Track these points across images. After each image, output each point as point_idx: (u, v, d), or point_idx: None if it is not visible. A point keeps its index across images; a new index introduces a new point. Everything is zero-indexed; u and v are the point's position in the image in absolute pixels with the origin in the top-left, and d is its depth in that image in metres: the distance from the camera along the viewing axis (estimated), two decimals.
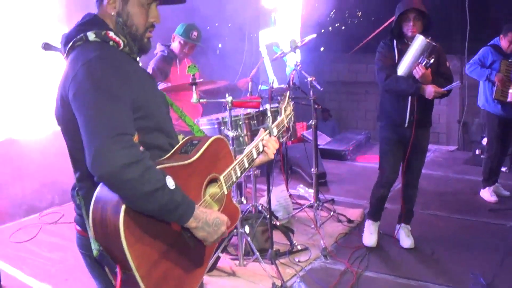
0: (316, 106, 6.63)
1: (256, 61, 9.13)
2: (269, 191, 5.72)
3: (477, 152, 10.01)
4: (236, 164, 2.97)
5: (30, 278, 5.45)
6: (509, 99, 7.43)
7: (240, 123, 5.60)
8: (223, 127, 5.47)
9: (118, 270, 2.44)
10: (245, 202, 6.20)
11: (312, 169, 6.75)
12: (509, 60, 7.54)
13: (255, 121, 5.66)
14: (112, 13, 2.70)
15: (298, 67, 6.63)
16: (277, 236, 6.05)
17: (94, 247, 2.50)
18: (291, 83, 6.57)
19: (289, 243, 5.99)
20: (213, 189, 2.84)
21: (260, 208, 6.14)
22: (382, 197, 6.15)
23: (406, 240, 6.21)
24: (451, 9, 12.18)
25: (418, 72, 5.56)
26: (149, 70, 6.34)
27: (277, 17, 11.12)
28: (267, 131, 3.27)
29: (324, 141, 11.14)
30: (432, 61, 5.61)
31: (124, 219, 2.32)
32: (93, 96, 2.40)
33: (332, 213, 6.99)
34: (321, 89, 6.49)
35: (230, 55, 9.45)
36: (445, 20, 12.38)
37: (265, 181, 5.87)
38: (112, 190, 2.35)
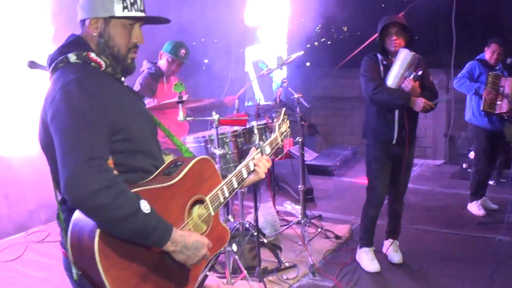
0: (303, 122, 6.63)
1: (242, 77, 9.14)
2: (256, 208, 5.70)
3: (464, 166, 10.04)
4: (223, 185, 2.94)
5: None
6: (497, 111, 7.48)
7: (227, 140, 5.58)
8: (209, 145, 5.45)
9: None
10: (232, 220, 6.19)
11: (299, 186, 6.74)
12: (495, 71, 7.61)
13: (242, 139, 5.65)
14: (94, 34, 2.71)
15: (285, 84, 6.63)
16: (265, 254, 6.02)
17: (74, 271, 2.50)
18: (278, 100, 6.57)
19: (276, 260, 5.96)
20: (200, 210, 2.82)
21: (247, 225, 6.12)
22: (375, 217, 6.09)
23: (394, 255, 6.19)
24: (438, 24, 12.25)
25: (408, 85, 5.56)
26: (137, 86, 6.34)
27: (262, 34, 11.13)
28: (259, 150, 3.24)
29: (311, 156, 11.14)
30: (420, 73, 5.63)
31: (99, 244, 2.31)
32: (68, 120, 2.40)
33: (319, 229, 6.95)
34: (308, 105, 6.52)
35: (216, 71, 9.46)
36: (432, 35, 12.44)
37: (252, 198, 5.85)
38: (86, 215, 2.34)
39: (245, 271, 5.32)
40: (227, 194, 2.95)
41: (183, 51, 6.46)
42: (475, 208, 7.94)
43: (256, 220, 5.67)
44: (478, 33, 11.81)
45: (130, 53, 2.81)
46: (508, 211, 7.14)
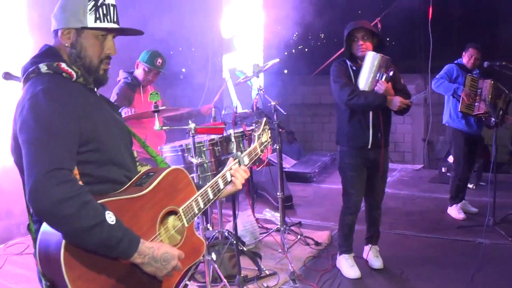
0: (280, 130, 6.63)
1: (219, 85, 9.13)
2: (234, 216, 5.68)
3: (443, 170, 10.11)
4: (198, 196, 2.92)
5: None
6: (475, 112, 7.52)
7: (204, 149, 5.56)
8: (186, 154, 5.43)
9: None
10: (211, 228, 6.17)
11: (278, 193, 6.74)
12: (473, 74, 7.66)
13: (219, 147, 5.64)
14: (66, 44, 2.72)
15: (261, 92, 6.62)
16: (245, 262, 5.99)
17: (43, 282, 2.50)
18: (254, 107, 6.56)
19: (257, 268, 5.93)
20: (175, 222, 2.80)
21: (226, 234, 6.10)
22: (353, 224, 6.05)
23: (375, 261, 6.18)
24: (414, 29, 12.34)
25: (381, 87, 5.55)
26: (113, 96, 6.32)
27: (238, 42, 11.13)
28: (236, 160, 3.23)
29: (289, 164, 11.16)
30: (391, 73, 5.62)
31: (64, 255, 2.30)
32: (34, 130, 2.40)
33: (299, 236, 6.94)
34: (285, 113, 6.52)
35: (194, 80, 9.45)
36: (409, 40, 12.52)
37: (231, 207, 5.82)
38: (50, 226, 2.34)
39: (225, 280, 5.30)
40: (202, 205, 2.94)
41: (159, 60, 6.43)
42: (455, 211, 7.97)
43: (235, 228, 5.65)
44: (454, 39, 11.92)
45: (103, 64, 2.81)
46: (488, 214, 7.16)
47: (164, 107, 5.83)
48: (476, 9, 11.95)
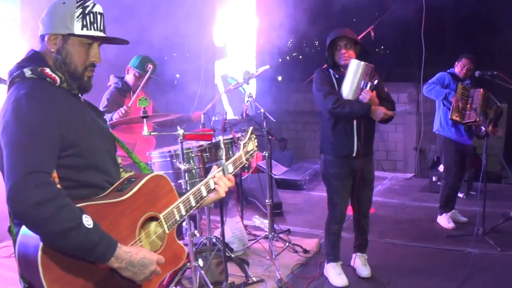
0: (270, 137, 6.64)
1: (211, 91, 9.14)
2: (222, 222, 5.68)
3: (434, 179, 10.12)
4: (180, 202, 2.93)
5: None
6: (465, 120, 7.52)
7: (193, 155, 5.56)
8: (175, 160, 5.43)
9: None
10: (198, 235, 6.16)
11: (266, 200, 6.75)
12: (465, 84, 7.67)
13: (207, 154, 5.63)
14: (52, 50, 2.74)
15: (251, 98, 6.63)
16: (232, 268, 6.00)
17: (22, 284, 2.54)
18: (244, 114, 6.56)
19: (244, 275, 5.93)
20: (156, 228, 2.81)
21: (214, 240, 6.10)
22: (339, 233, 6.05)
23: (363, 269, 6.18)
24: (408, 38, 12.35)
25: (366, 96, 5.54)
26: (103, 101, 6.31)
27: (230, 49, 11.15)
28: (220, 168, 3.24)
29: (280, 171, 11.16)
30: (376, 82, 5.62)
31: (42, 257, 2.32)
32: (15, 133, 2.43)
33: (287, 244, 6.94)
34: (274, 120, 6.53)
35: (187, 86, 9.46)
36: (402, 49, 12.54)
37: (219, 213, 5.82)
38: (28, 228, 2.36)
39: (211, 286, 5.30)
40: (183, 212, 2.94)
41: (150, 65, 6.42)
42: (444, 221, 7.98)
43: (223, 234, 5.64)
44: (447, 48, 11.94)
45: (87, 71, 2.84)
46: (477, 223, 7.14)
47: (155, 114, 5.83)
48: (469, 19, 11.99)
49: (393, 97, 5.99)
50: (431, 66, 10.80)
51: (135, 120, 5.84)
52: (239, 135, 5.74)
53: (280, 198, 8.94)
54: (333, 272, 6.02)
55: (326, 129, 5.89)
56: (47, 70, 2.67)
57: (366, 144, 5.81)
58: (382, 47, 15.06)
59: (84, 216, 2.40)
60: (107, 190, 2.74)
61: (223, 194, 3.20)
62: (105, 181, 2.76)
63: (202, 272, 5.39)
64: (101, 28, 2.83)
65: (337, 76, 5.77)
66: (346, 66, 5.69)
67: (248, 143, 3.56)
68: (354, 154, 5.78)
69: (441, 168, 9.16)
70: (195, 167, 5.53)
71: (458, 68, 7.86)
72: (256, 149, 3.66)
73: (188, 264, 5.30)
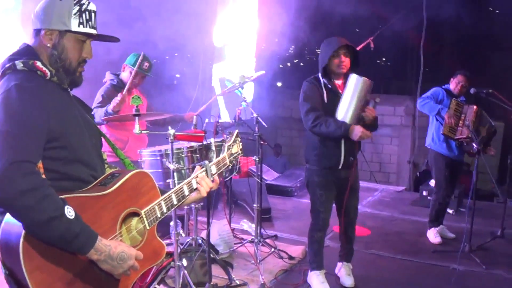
0: (261, 142, 6.66)
1: (208, 93, 9.17)
2: (208, 224, 5.69)
3: (424, 193, 10.12)
4: (161, 200, 2.97)
5: None
6: (457, 136, 7.54)
7: (183, 156, 5.59)
8: (165, 159, 5.46)
9: None
10: (183, 235, 6.17)
11: (254, 205, 6.78)
12: (459, 99, 7.70)
13: (198, 155, 5.66)
14: (48, 45, 2.80)
15: (244, 103, 6.65)
16: (217, 271, 6.02)
17: (3, 270, 2.55)
18: (237, 118, 6.59)
19: (227, 277, 5.94)
20: (137, 223, 2.84)
21: (200, 241, 6.12)
22: (322, 241, 6.04)
23: (346, 279, 6.20)
24: (406, 51, 12.38)
25: (371, 115, 5.57)
26: (98, 97, 6.33)
27: (229, 52, 11.18)
28: (203, 169, 3.28)
29: (272, 176, 11.18)
30: (378, 100, 5.63)
31: (23, 245, 2.37)
32: (4, 123, 2.48)
33: (273, 249, 6.96)
34: (266, 125, 6.55)
35: (187, 86, 9.50)
36: (401, 62, 12.57)
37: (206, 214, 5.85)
38: (12, 216, 2.41)
39: (193, 287, 5.32)
40: (164, 210, 2.99)
41: (146, 64, 6.44)
42: (432, 235, 8.00)
43: (208, 235, 5.67)
44: (445, 64, 11.97)
45: (80, 67, 2.91)
46: (463, 240, 7.16)
47: (147, 113, 5.85)
48: (470, 35, 12.02)
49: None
50: (429, 80, 10.85)
51: (128, 118, 5.86)
52: (224, 137, 5.77)
53: (269, 204, 8.98)
54: (316, 280, 6.02)
55: (313, 140, 5.84)
56: (38, 64, 2.73)
57: (353, 155, 5.82)
58: (384, 59, 15.10)
59: (66, 207, 2.44)
60: (91, 184, 2.79)
61: (204, 194, 3.26)
62: (90, 175, 2.82)
63: (186, 272, 5.42)
64: (95, 26, 2.90)
65: (329, 86, 5.73)
66: (339, 75, 5.71)
67: (232, 146, 3.61)
68: (340, 167, 5.78)
69: (432, 183, 9.18)
70: (184, 168, 5.54)
71: (453, 84, 7.88)
72: (240, 152, 3.71)
73: (172, 263, 5.33)
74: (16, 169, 2.38)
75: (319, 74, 5.81)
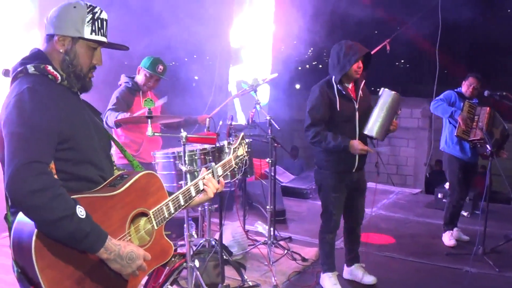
0: (275, 144, 6.70)
1: (224, 96, 9.22)
2: (221, 225, 5.75)
3: (439, 195, 10.09)
4: (169, 200, 3.04)
5: None
6: (470, 137, 7.54)
7: (196, 158, 5.64)
8: (178, 161, 5.51)
9: None
10: (196, 236, 6.22)
11: (268, 207, 6.82)
12: (472, 101, 7.71)
13: (210, 157, 5.70)
14: (61, 50, 2.88)
15: (257, 106, 6.69)
16: (230, 272, 6.05)
17: (15, 269, 2.62)
18: (250, 120, 6.63)
19: (240, 278, 5.98)
20: (145, 223, 2.91)
21: (213, 242, 6.16)
22: (333, 242, 6.09)
23: (366, 277, 6.24)
24: (423, 54, 12.36)
25: (394, 130, 5.69)
26: (113, 99, 6.38)
27: (245, 54, 11.22)
28: (210, 170, 3.35)
29: (287, 178, 11.20)
30: (400, 113, 5.67)
31: (35, 243, 2.43)
32: (17, 125, 2.55)
33: (286, 251, 6.99)
34: (278, 128, 6.60)
35: (202, 89, 9.55)
36: (417, 65, 12.55)
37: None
38: (24, 214, 2.48)
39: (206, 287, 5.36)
40: (172, 210, 3.05)
41: (161, 67, 6.51)
42: (446, 238, 7.99)
43: (221, 236, 5.71)
44: (461, 66, 11.95)
45: (90, 73, 2.99)
46: (477, 242, 7.14)
47: (160, 115, 5.90)
48: (485, 38, 12.00)
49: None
50: (445, 83, 10.81)
51: (142, 120, 5.93)
52: (230, 140, 5.82)
53: (284, 206, 9.01)
54: (329, 282, 6.05)
55: None
56: (49, 68, 2.80)
57: (364, 159, 5.91)
58: (402, 61, 15.08)
59: (78, 206, 2.51)
60: (100, 185, 2.86)
61: (211, 195, 3.33)
62: (99, 176, 2.89)
63: (198, 273, 5.46)
64: (106, 34, 2.98)
65: (344, 92, 5.74)
66: (350, 80, 5.76)
67: (238, 148, 3.67)
68: (354, 170, 5.86)
69: (447, 185, 9.17)
70: (197, 169, 5.57)
71: (465, 87, 7.88)
72: (246, 154, 3.76)
73: (185, 264, 5.38)
74: (28, 169, 2.45)
75: (332, 79, 5.82)
